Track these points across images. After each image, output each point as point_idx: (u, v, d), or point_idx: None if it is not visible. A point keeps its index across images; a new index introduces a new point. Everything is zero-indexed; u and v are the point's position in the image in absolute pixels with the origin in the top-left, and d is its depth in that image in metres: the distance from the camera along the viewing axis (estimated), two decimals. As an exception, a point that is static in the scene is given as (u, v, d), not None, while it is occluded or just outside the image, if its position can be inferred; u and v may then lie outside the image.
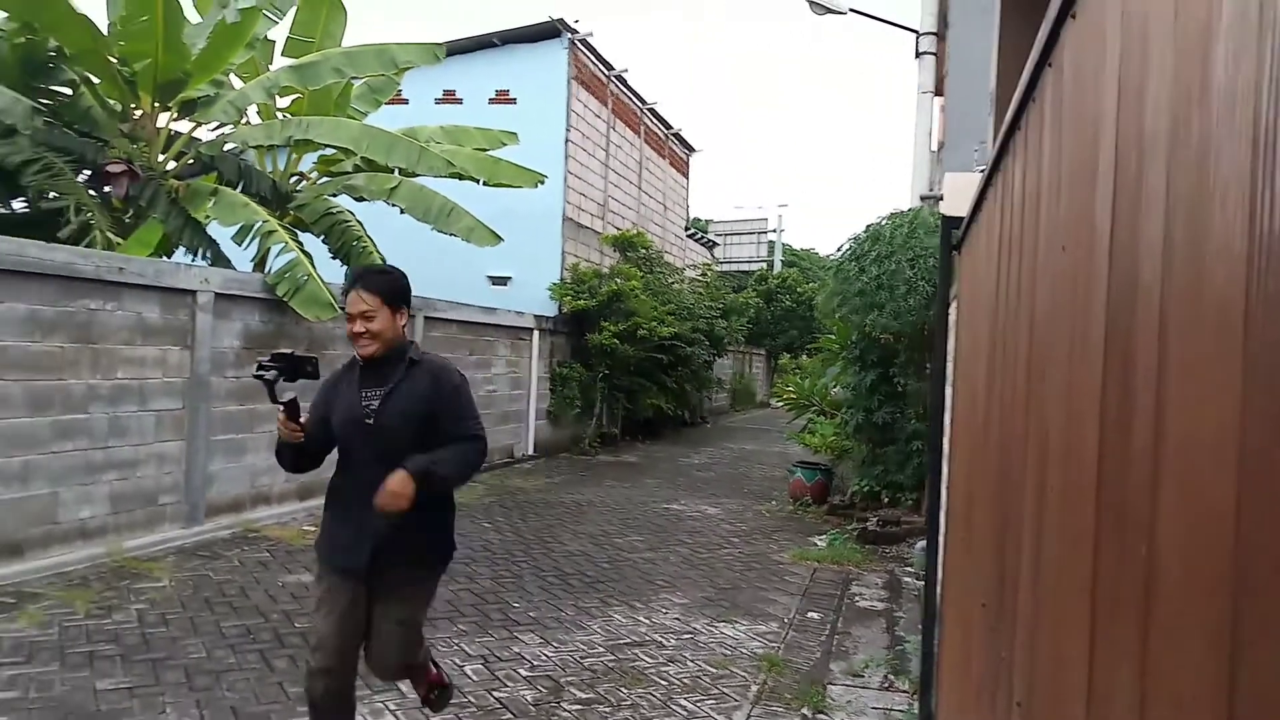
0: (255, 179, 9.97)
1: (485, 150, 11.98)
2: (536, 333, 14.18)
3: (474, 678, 4.67)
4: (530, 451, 13.86)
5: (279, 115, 10.81)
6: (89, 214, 8.16)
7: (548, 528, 8.72)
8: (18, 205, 9.04)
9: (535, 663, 4.93)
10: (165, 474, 7.35)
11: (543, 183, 12.07)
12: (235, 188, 9.56)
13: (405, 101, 14.81)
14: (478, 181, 11.17)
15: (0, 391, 6.07)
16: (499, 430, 12.97)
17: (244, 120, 10.31)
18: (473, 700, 4.36)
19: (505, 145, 12.29)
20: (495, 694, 4.47)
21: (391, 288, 3.17)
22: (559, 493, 10.97)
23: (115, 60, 8.75)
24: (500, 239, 11.29)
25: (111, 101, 9.19)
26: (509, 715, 4.23)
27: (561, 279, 15.61)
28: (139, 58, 8.67)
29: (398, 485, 2.96)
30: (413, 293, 3.29)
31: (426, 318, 11.20)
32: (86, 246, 7.49)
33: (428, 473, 3.00)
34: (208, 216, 9.34)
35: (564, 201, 15.79)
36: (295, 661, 4.68)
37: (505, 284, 15.51)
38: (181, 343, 7.53)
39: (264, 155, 10.92)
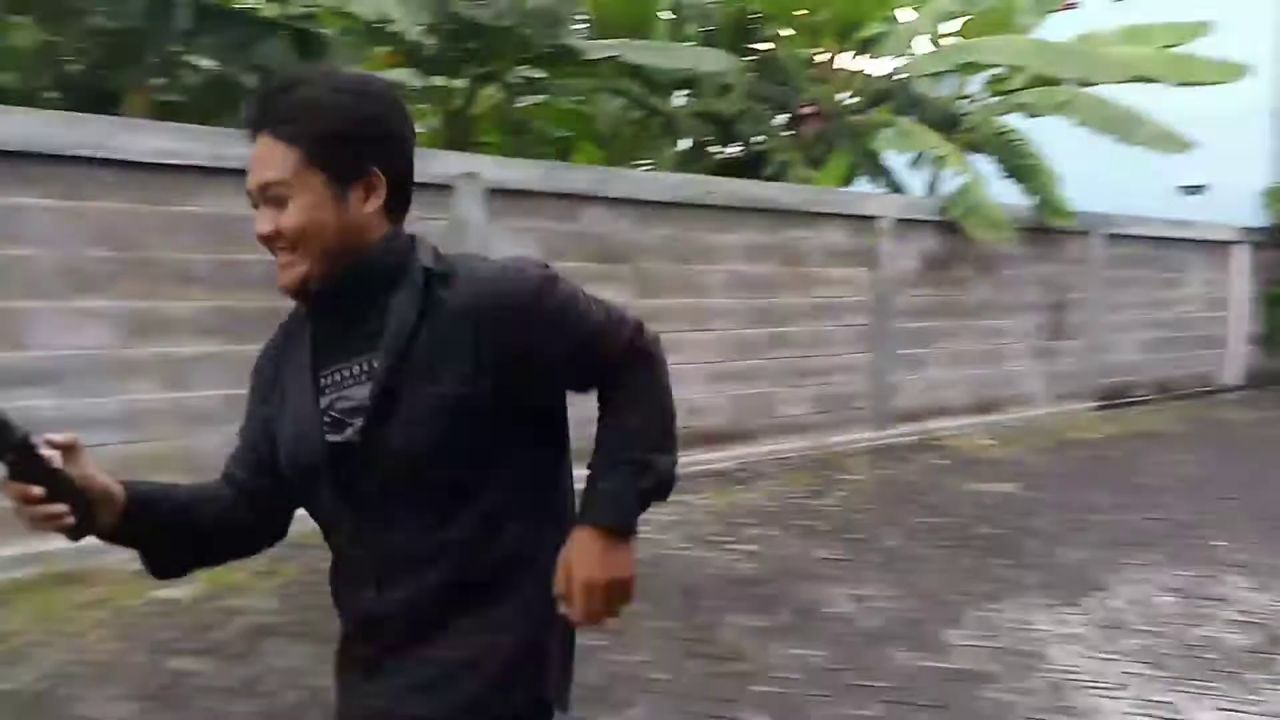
0: (926, 106, 10.27)
1: (1172, 47, 10.69)
2: (1241, 246, 12.34)
3: (1168, 611, 4.38)
4: (1236, 381, 12.24)
5: (946, 41, 10.95)
6: (786, 154, 9.28)
7: (1262, 468, 7.67)
8: (733, 150, 10.61)
9: (1245, 607, 4.44)
10: (856, 381, 8.18)
11: (1245, 75, 10.38)
12: (907, 117, 9.98)
13: (1075, 5, 13.83)
14: (1164, 84, 10.04)
15: (732, 307, 7.34)
16: (1190, 357, 11.63)
17: (912, 51, 10.66)
18: (1167, 634, 4.11)
19: (1196, 38, 10.81)
20: (1195, 631, 4.15)
21: (326, 127, 1.32)
22: (1274, 428, 9.53)
23: (804, 14, 9.72)
24: (1191, 145, 10.02)
25: (801, 51, 10.24)
26: (1212, 655, 3.90)
27: (1276, 183, 13.31)
28: (822, 8, 9.53)
29: (591, 564, 1.33)
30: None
31: (1108, 235, 10.45)
32: (786, 182, 8.57)
33: (636, 508, 1.37)
34: (884, 147, 9.91)
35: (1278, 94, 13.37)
36: (982, 559, 4.90)
37: (1199, 193, 13.75)
38: (866, 264, 8.21)
39: (934, 82, 11.16)
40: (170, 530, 1.39)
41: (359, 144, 1.34)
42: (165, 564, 1.43)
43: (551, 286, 1.37)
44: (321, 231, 1.32)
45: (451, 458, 1.32)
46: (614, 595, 1.33)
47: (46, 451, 1.22)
